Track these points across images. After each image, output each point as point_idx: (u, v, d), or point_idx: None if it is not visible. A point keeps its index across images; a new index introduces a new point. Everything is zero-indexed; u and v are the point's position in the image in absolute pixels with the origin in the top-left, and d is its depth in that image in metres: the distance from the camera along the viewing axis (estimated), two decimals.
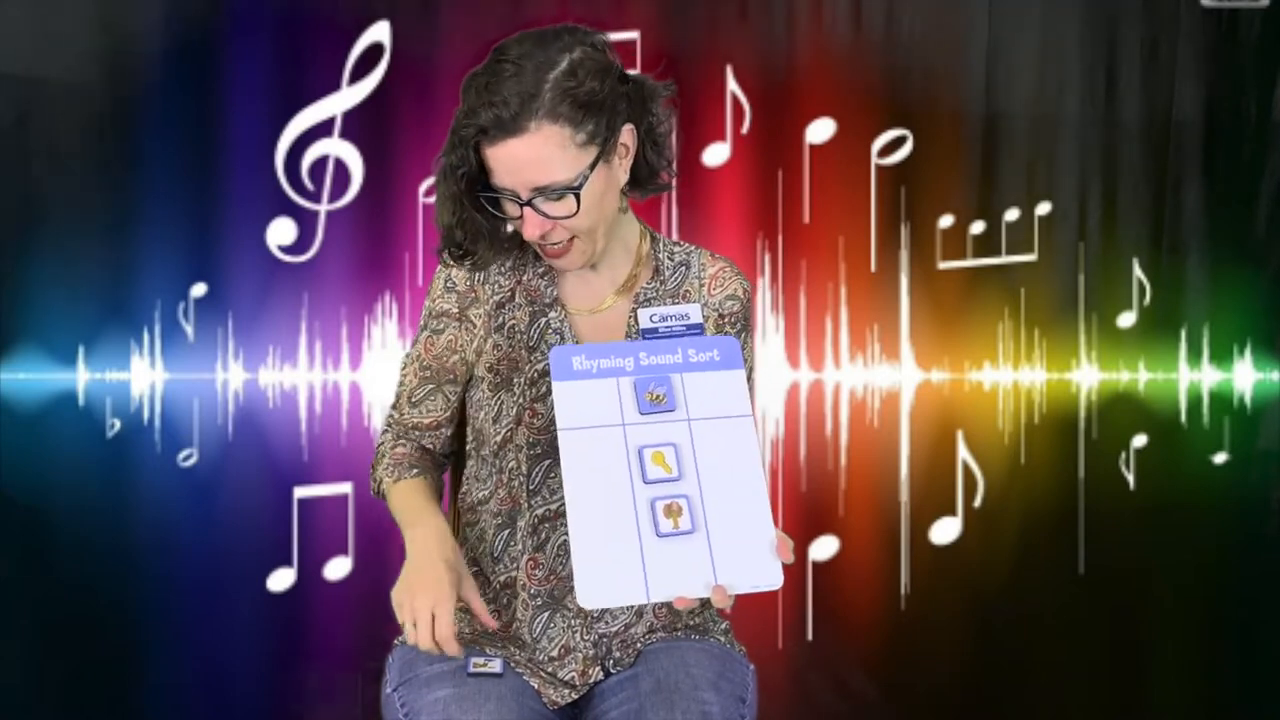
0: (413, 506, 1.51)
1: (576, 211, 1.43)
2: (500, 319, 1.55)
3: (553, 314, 1.55)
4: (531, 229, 1.44)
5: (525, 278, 1.57)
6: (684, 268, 1.60)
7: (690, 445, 1.33)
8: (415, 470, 1.58)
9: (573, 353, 1.38)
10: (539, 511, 1.54)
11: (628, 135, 1.47)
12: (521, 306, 1.56)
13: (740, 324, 1.60)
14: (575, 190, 1.41)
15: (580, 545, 1.28)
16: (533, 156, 1.39)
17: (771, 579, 1.28)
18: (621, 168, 1.49)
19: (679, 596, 1.27)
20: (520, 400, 1.53)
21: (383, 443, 1.63)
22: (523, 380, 1.53)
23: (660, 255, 1.59)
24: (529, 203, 1.42)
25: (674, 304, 1.54)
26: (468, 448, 1.64)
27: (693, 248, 1.62)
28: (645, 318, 1.45)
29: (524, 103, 1.37)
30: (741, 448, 1.34)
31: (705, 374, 1.38)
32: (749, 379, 1.62)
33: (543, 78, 1.38)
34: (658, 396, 1.36)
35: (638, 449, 1.33)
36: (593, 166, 1.42)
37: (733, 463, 1.33)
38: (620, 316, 1.57)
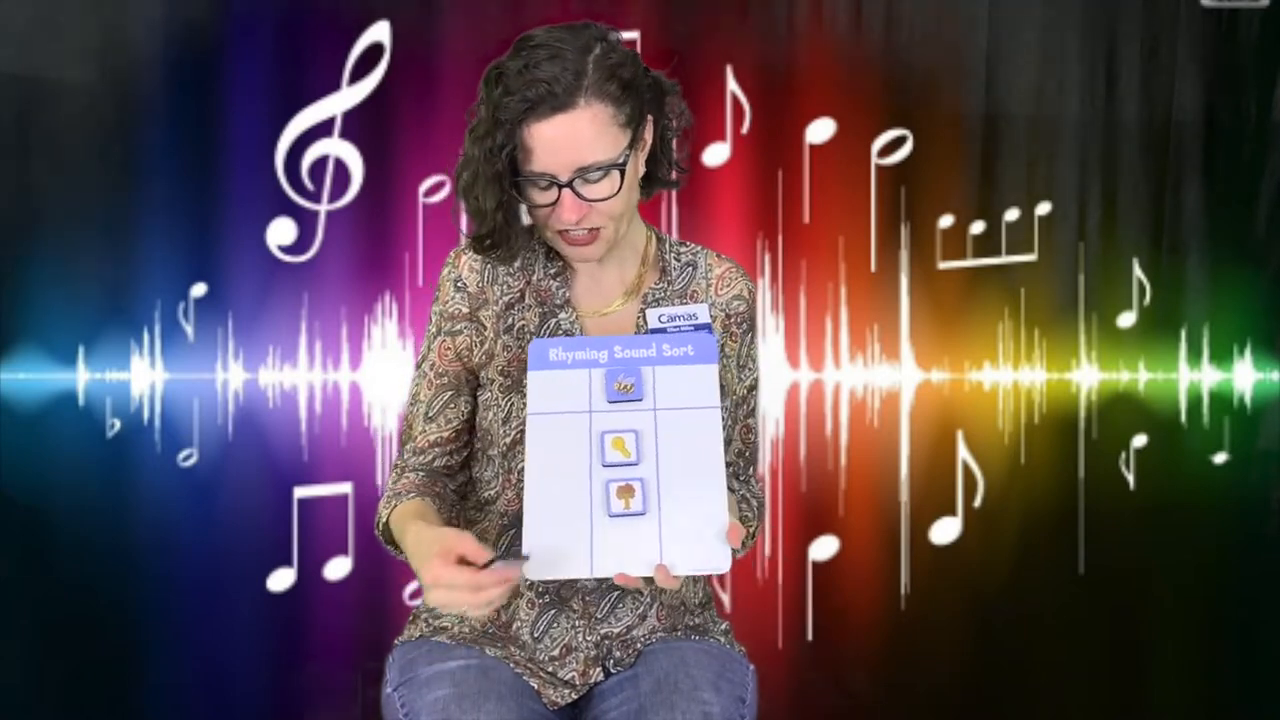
0: (401, 530, 1.43)
1: (619, 189, 1.43)
2: (509, 320, 1.55)
3: (564, 315, 1.55)
4: (569, 212, 1.43)
5: (535, 278, 1.56)
6: (691, 268, 1.60)
7: (653, 433, 1.36)
8: (411, 494, 1.49)
9: (550, 345, 1.40)
10: None
11: (647, 129, 1.48)
12: (531, 307, 1.55)
13: (747, 324, 1.60)
14: (620, 167, 1.42)
15: (532, 519, 1.31)
16: (579, 133, 1.39)
17: (717, 563, 1.30)
18: (641, 159, 1.50)
19: (621, 573, 1.29)
20: None
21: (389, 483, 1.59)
22: None
23: (667, 256, 1.60)
24: (569, 184, 1.42)
25: (682, 304, 1.55)
26: (475, 448, 1.62)
27: (698, 248, 1.62)
28: (654, 318, 1.45)
29: (572, 79, 1.38)
30: (704, 437, 1.35)
31: (677, 367, 1.39)
32: (754, 379, 1.62)
33: (585, 58, 1.40)
34: (626, 386, 1.38)
35: (600, 434, 1.35)
36: (629, 148, 1.43)
37: (693, 451, 1.35)
38: (629, 318, 1.57)
